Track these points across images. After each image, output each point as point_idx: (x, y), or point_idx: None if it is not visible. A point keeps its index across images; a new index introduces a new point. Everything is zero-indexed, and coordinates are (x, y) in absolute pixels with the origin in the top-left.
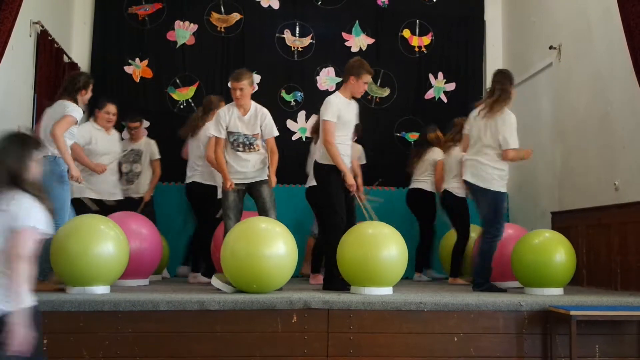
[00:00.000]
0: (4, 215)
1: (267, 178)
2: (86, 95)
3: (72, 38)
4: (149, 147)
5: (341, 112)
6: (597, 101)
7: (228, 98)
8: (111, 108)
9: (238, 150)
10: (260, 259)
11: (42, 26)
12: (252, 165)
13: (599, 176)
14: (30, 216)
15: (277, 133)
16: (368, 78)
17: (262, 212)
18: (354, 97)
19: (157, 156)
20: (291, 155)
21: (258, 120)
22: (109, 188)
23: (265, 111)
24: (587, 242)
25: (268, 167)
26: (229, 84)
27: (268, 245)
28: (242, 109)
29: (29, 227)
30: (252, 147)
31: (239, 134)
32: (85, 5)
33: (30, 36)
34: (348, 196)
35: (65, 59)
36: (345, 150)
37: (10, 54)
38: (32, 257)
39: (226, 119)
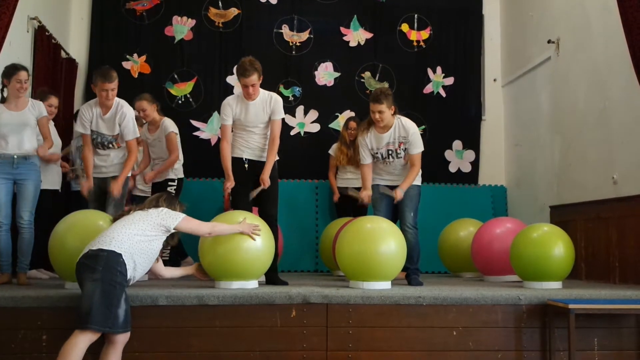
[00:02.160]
0: None
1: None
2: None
3: (70, 34)
4: None
5: None
6: (595, 95)
7: (227, 93)
8: (54, 101)
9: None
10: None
11: (40, 22)
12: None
13: (598, 170)
14: None
15: (137, 134)
16: (243, 81)
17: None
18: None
19: None
20: (289, 150)
21: (118, 119)
22: (58, 178)
23: (125, 110)
24: (585, 236)
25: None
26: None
27: (245, 238)
28: (104, 108)
29: None
30: (110, 146)
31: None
32: (82, 0)
33: (28, 32)
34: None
35: (63, 54)
36: (245, 144)
37: (7, 50)
38: None
39: (88, 116)
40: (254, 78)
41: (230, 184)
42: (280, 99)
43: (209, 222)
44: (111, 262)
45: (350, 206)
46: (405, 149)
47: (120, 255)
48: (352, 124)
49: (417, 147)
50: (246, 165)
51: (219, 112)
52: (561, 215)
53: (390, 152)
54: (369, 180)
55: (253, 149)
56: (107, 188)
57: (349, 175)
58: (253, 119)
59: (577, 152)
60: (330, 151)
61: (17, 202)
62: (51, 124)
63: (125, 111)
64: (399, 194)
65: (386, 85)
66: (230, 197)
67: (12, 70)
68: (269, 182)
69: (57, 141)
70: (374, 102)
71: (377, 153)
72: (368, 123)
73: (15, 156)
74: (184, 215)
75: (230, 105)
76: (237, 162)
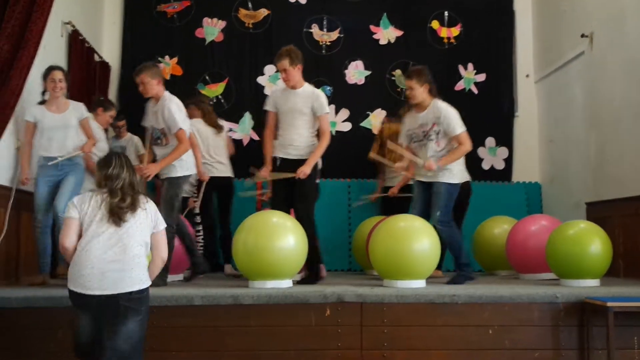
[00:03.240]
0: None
1: (171, 175)
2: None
3: (103, 37)
4: (132, 143)
5: None
6: (632, 89)
7: (258, 93)
8: (114, 113)
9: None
10: (271, 251)
11: (73, 26)
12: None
13: (636, 165)
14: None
15: (180, 126)
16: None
17: None
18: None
19: (142, 151)
20: None
21: (160, 113)
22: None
23: (167, 103)
24: (623, 232)
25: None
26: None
27: (278, 238)
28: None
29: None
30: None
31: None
32: (114, 4)
33: (62, 36)
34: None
35: (96, 58)
36: None
37: (42, 54)
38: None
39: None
40: (285, 63)
41: (266, 172)
42: (322, 94)
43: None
44: (149, 297)
45: (395, 204)
46: (439, 131)
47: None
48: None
49: (455, 127)
50: (278, 164)
51: (250, 113)
52: (598, 212)
53: (424, 133)
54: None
55: (289, 146)
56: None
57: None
58: (291, 107)
59: (614, 147)
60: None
61: (57, 194)
62: (100, 128)
63: (167, 104)
64: (428, 164)
65: None
66: (261, 197)
67: (48, 70)
68: (305, 174)
69: (104, 146)
70: (405, 78)
71: (412, 134)
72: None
73: (59, 158)
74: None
75: (275, 92)
76: (276, 161)
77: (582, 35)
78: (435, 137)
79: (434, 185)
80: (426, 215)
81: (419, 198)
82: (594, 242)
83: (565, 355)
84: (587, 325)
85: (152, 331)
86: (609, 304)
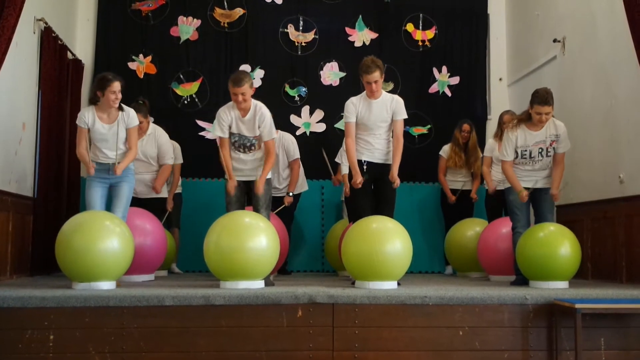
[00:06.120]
0: None
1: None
2: (104, 96)
3: (76, 35)
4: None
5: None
6: (601, 94)
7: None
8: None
9: (239, 151)
10: (243, 251)
11: (46, 23)
12: (251, 164)
13: (604, 169)
14: None
15: (274, 136)
16: (366, 78)
17: (255, 209)
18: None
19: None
20: None
21: (257, 122)
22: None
23: (264, 111)
24: (592, 235)
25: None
26: (230, 89)
27: (250, 239)
28: (242, 111)
29: None
30: (252, 147)
31: (240, 135)
32: (88, 1)
33: (34, 33)
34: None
35: (69, 55)
36: (366, 146)
37: (14, 51)
38: None
39: (228, 119)
40: (377, 75)
41: (360, 179)
42: (402, 100)
43: None
44: None
45: (457, 207)
46: (556, 148)
47: None
48: (466, 127)
49: (567, 146)
50: (365, 167)
51: None
52: (567, 215)
53: (540, 150)
54: (516, 178)
55: (373, 150)
56: (252, 190)
57: (459, 177)
58: (375, 118)
59: (583, 152)
60: (442, 152)
61: (111, 202)
62: None
63: (266, 113)
64: (557, 196)
65: (391, 85)
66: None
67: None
68: (398, 180)
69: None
70: (545, 105)
71: (525, 151)
72: (519, 121)
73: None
74: None
75: (355, 104)
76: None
77: (555, 40)
78: (552, 152)
79: (543, 192)
80: (529, 221)
81: (525, 206)
82: (563, 245)
83: (534, 356)
84: (556, 326)
85: (121, 332)
86: (577, 305)
